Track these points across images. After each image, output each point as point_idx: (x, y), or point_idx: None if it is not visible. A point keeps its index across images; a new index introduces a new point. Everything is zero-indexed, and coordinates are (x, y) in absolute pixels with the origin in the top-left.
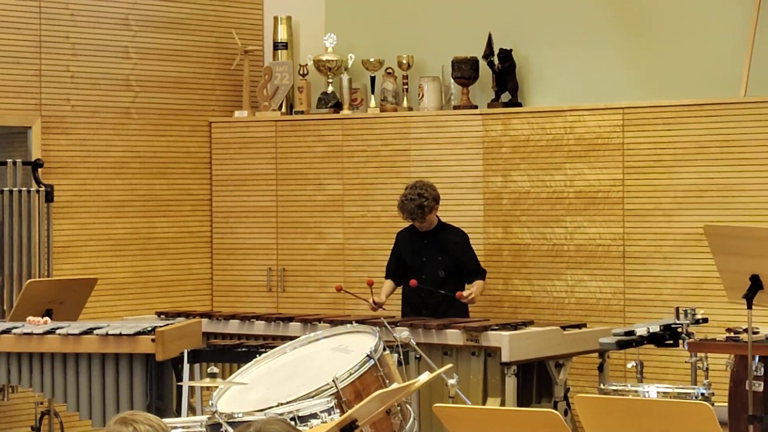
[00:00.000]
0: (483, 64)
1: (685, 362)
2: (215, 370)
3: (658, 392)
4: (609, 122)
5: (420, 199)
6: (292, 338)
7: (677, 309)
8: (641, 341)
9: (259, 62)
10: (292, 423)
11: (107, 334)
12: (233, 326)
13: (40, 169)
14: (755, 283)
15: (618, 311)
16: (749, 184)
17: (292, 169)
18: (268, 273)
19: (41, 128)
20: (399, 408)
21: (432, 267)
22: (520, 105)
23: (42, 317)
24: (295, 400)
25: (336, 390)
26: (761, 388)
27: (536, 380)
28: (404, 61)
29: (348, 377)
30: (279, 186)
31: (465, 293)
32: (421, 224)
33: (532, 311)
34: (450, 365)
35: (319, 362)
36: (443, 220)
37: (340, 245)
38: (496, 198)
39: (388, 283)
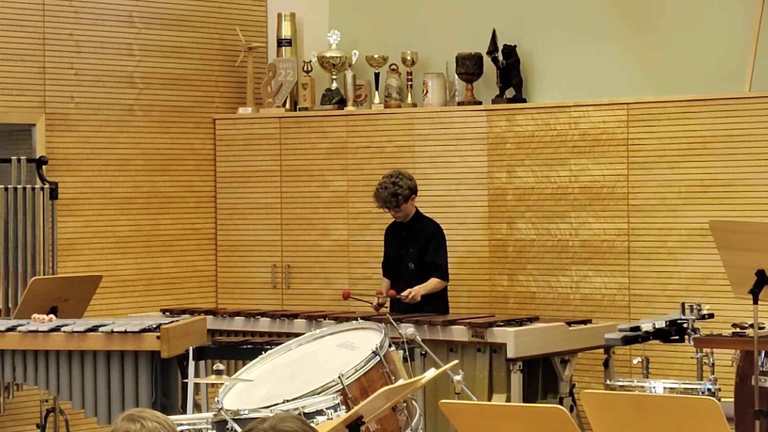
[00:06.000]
0: (487, 60)
1: (691, 358)
2: (221, 367)
3: (664, 388)
4: (613, 118)
5: (394, 188)
6: (297, 335)
7: (683, 304)
8: (647, 337)
9: (263, 59)
10: None
11: (112, 332)
12: (238, 323)
13: (44, 167)
14: (761, 278)
15: (623, 307)
16: (754, 179)
17: (296, 166)
18: (273, 270)
19: (45, 125)
20: (405, 404)
21: (406, 260)
22: (524, 101)
23: (47, 314)
24: (300, 397)
25: (342, 387)
26: (767, 384)
27: (541, 376)
28: (408, 58)
29: (353, 374)
30: (283, 183)
31: (403, 294)
32: (396, 214)
33: (537, 307)
34: (455, 361)
35: (324, 359)
36: (443, 215)
37: (344, 242)
38: (500, 194)
39: (386, 281)
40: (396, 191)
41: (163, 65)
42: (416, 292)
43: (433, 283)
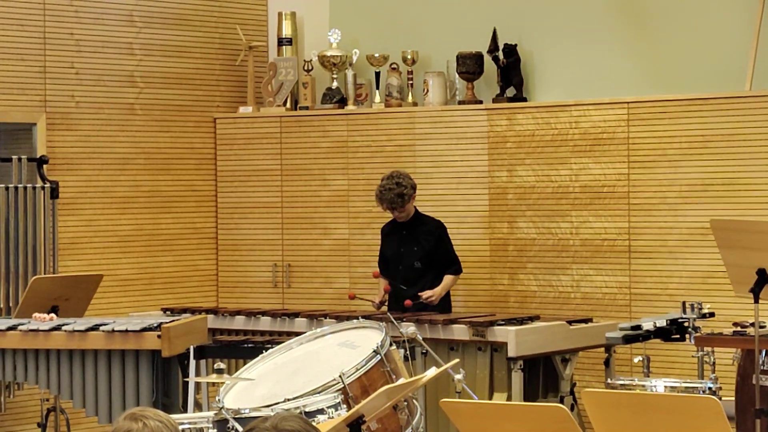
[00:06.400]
0: (488, 59)
1: (692, 356)
2: (222, 366)
3: (665, 387)
4: (614, 117)
5: (399, 188)
6: (298, 334)
7: (684, 303)
8: (648, 336)
9: (264, 58)
10: None
11: (113, 331)
12: (239, 322)
13: (45, 166)
14: (762, 277)
15: (624, 306)
16: (755, 178)
17: (297, 165)
18: (274, 269)
19: (46, 125)
20: (406, 403)
21: (409, 258)
22: (525, 100)
23: (48, 314)
24: (301, 396)
25: (343, 385)
26: None
27: (542, 375)
28: (409, 57)
29: (354, 373)
30: (284, 182)
31: (424, 295)
32: (400, 213)
33: (538, 306)
34: (456, 360)
35: (325, 358)
36: (444, 214)
37: (345, 241)
38: (501, 193)
39: (383, 281)
40: (402, 192)
41: (163, 64)
42: (437, 294)
43: (449, 280)
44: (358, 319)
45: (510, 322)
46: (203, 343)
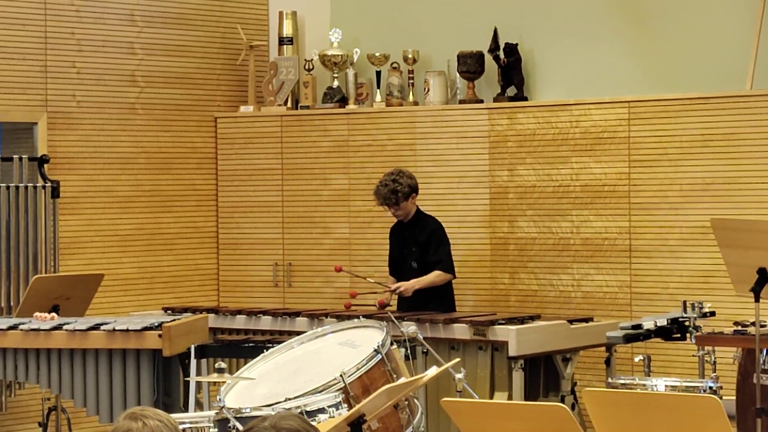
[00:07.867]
0: (488, 59)
1: (693, 356)
2: (222, 365)
3: (666, 386)
4: (615, 116)
5: (394, 185)
6: (299, 333)
7: (684, 302)
8: (648, 335)
9: (265, 57)
10: None
11: (114, 330)
12: (240, 321)
13: (46, 165)
14: (762, 276)
15: (625, 305)
16: (755, 177)
17: (297, 164)
18: (275, 268)
19: (47, 124)
20: (407, 402)
21: (409, 259)
22: (525, 99)
23: (49, 313)
24: (302, 395)
25: (343, 385)
26: None
27: (543, 374)
28: (410, 56)
29: (355, 372)
30: (285, 181)
31: (393, 286)
32: (396, 212)
33: (539, 305)
34: (457, 359)
35: (326, 357)
36: (445, 213)
37: (346, 240)
38: (502, 192)
39: (391, 279)
40: (395, 188)
41: (164, 64)
42: (408, 285)
43: (432, 276)
44: (359, 318)
45: (511, 321)
46: (204, 342)
